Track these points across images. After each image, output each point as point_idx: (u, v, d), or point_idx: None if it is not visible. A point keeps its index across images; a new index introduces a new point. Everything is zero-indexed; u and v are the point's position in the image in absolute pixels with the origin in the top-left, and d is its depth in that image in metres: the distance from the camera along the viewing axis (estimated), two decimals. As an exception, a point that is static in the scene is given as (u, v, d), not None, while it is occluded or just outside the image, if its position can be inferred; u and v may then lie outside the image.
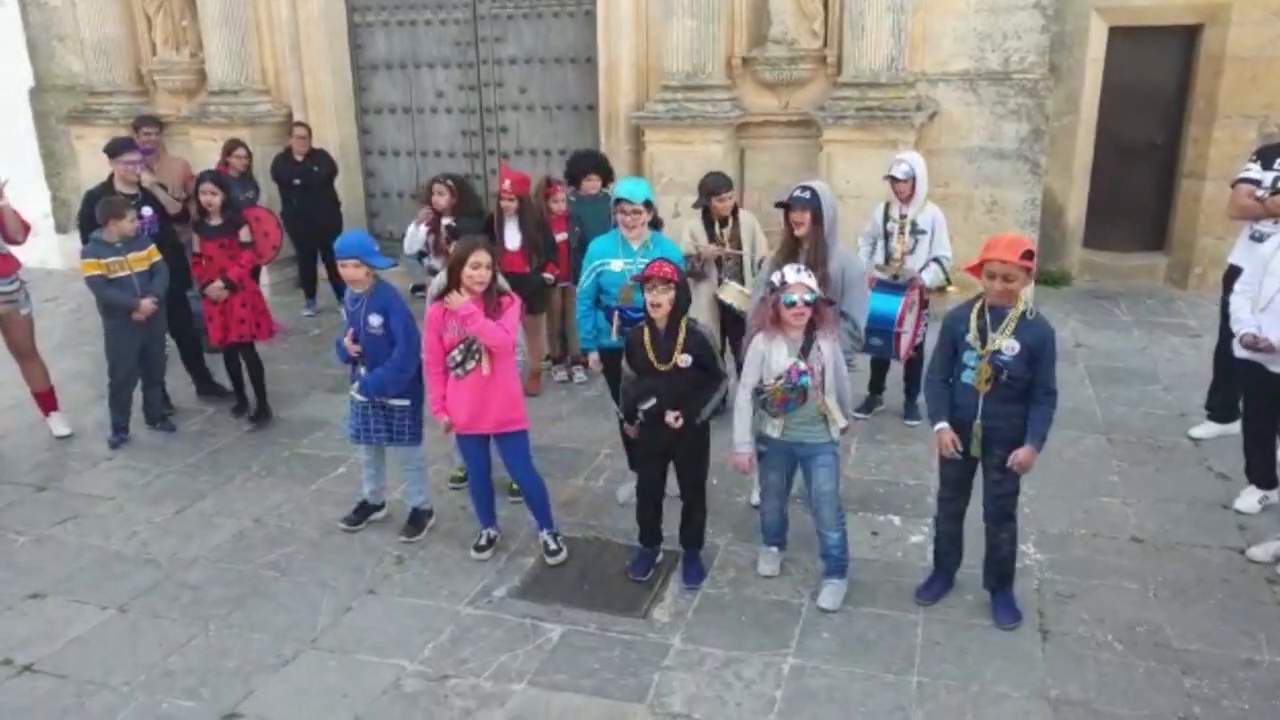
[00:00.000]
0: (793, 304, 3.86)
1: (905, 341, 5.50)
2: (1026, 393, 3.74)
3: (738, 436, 4.11)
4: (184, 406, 6.47)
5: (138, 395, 6.12)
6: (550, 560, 4.53)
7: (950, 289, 5.82)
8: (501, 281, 4.48)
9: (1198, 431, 5.66)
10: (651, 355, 4.05)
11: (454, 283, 4.19)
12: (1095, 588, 4.24)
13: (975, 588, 4.16)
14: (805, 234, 4.48)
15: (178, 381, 6.59)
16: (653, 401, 4.04)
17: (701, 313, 5.47)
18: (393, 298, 4.64)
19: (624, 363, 4.24)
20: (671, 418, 4.03)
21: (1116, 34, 8.31)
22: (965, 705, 3.55)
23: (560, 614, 4.16)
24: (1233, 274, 5.24)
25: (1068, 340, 7.40)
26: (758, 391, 3.95)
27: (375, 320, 4.55)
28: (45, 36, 10.28)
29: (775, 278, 3.96)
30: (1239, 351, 4.53)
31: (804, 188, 4.56)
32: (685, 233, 5.74)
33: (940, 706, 3.56)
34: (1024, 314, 3.71)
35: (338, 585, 4.43)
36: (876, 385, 6.16)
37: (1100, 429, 5.82)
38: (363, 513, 4.97)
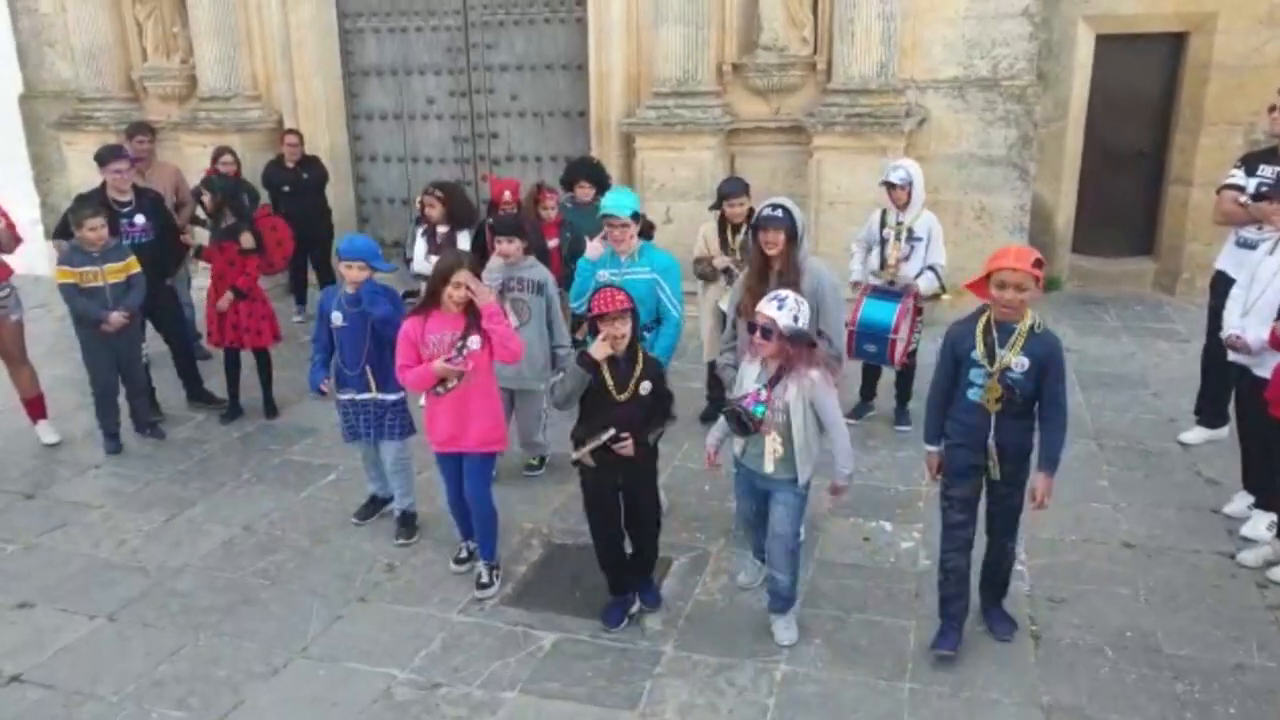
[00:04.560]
0: (752, 330, 3.73)
1: (900, 348, 5.52)
2: (1032, 407, 3.63)
3: (709, 437, 4.07)
4: (174, 414, 6.44)
5: (125, 403, 6.09)
6: (479, 594, 4.33)
7: (945, 297, 5.83)
8: (531, 265, 4.68)
9: (1187, 437, 5.70)
10: (611, 385, 3.85)
11: (434, 300, 4.15)
12: (1086, 593, 4.25)
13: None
14: (778, 254, 4.26)
15: (168, 387, 6.56)
16: (611, 432, 3.80)
17: (705, 316, 5.48)
18: (397, 298, 4.79)
19: (560, 389, 3.97)
20: (621, 444, 3.82)
21: (1104, 41, 8.37)
22: (957, 712, 3.55)
23: (552, 621, 4.15)
24: (1219, 279, 5.28)
25: (1057, 346, 7.44)
26: (723, 405, 3.88)
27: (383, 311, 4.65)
28: (35, 42, 10.24)
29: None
30: (1231, 354, 4.60)
31: (775, 205, 4.28)
32: (700, 235, 5.81)
33: (933, 713, 3.56)
34: (1032, 328, 3.54)
35: (328, 593, 4.41)
36: (868, 391, 6.17)
37: (1090, 434, 5.84)
38: (373, 506, 5.05)
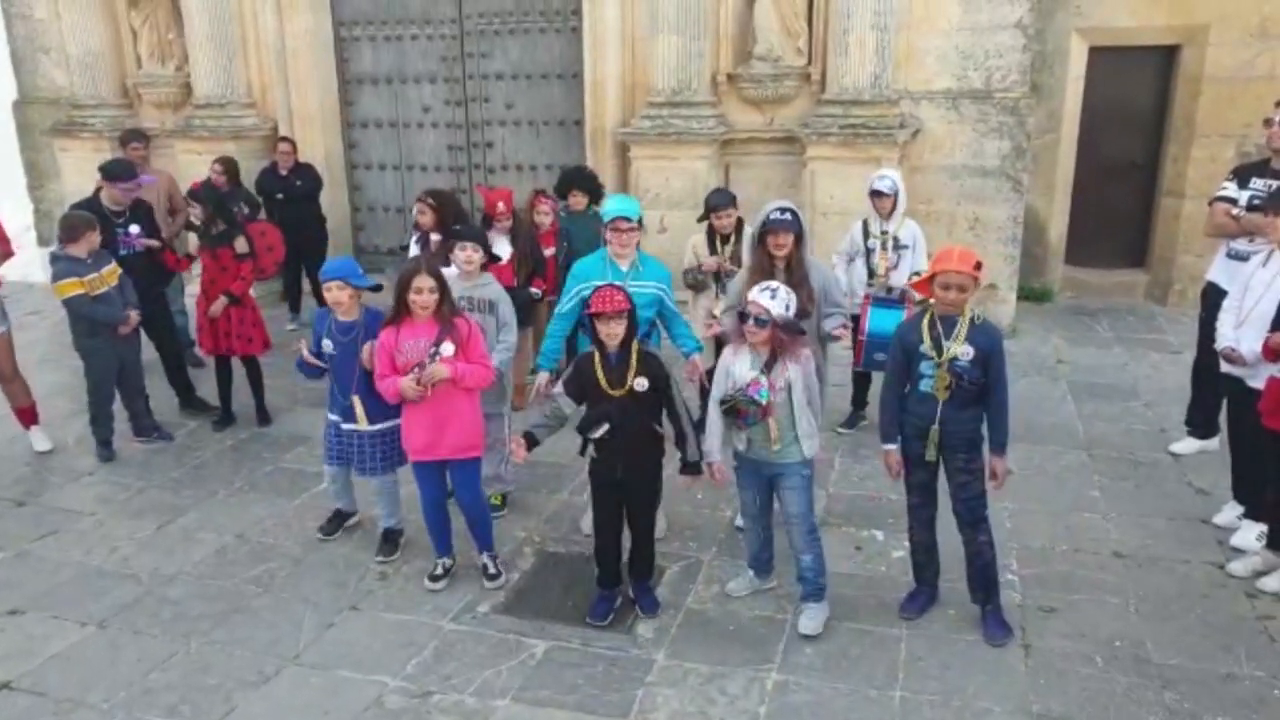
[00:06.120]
0: (744, 319, 3.88)
1: None
2: (980, 395, 3.86)
3: (706, 446, 4.07)
4: (166, 421, 6.41)
5: (119, 411, 6.07)
6: (488, 585, 4.46)
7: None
8: (485, 284, 4.58)
9: (1178, 447, 5.72)
10: (603, 381, 3.94)
11: (401, 309, 4.17)
12: (1077, 602, 4.26)
13: (957, 602, 4.18)
14: (786, 255, 4.44)
15: (160, 395, 6.55)
16: (606, 427, 3.91)
17: (697, 325, 5.49)
18: None
19: (560, 388, 4.12)
20: (693, 478, 4.08)
21: (1097, 54, 8.43)
22: (948, 720, 3.56)
23: (544, 630, 4.15)
24: (1210, 291, 5.31)
25: (1049, 357, 7.46)
26: (722, 402, 3.95)
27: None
28: (29, 49, 10.24)
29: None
30: (1223, 366, 4.61)
31: (783, 209, 4.47)
32: (688, 246, 5.82)
33: (923, 722, 3.57)
34: (972, 320, 3.84)
35: (320, 601, 4.41)
36: (859, 401, 6.18)
37: (1081, 445, 5.87)
38: (338, 520, 5.00)
